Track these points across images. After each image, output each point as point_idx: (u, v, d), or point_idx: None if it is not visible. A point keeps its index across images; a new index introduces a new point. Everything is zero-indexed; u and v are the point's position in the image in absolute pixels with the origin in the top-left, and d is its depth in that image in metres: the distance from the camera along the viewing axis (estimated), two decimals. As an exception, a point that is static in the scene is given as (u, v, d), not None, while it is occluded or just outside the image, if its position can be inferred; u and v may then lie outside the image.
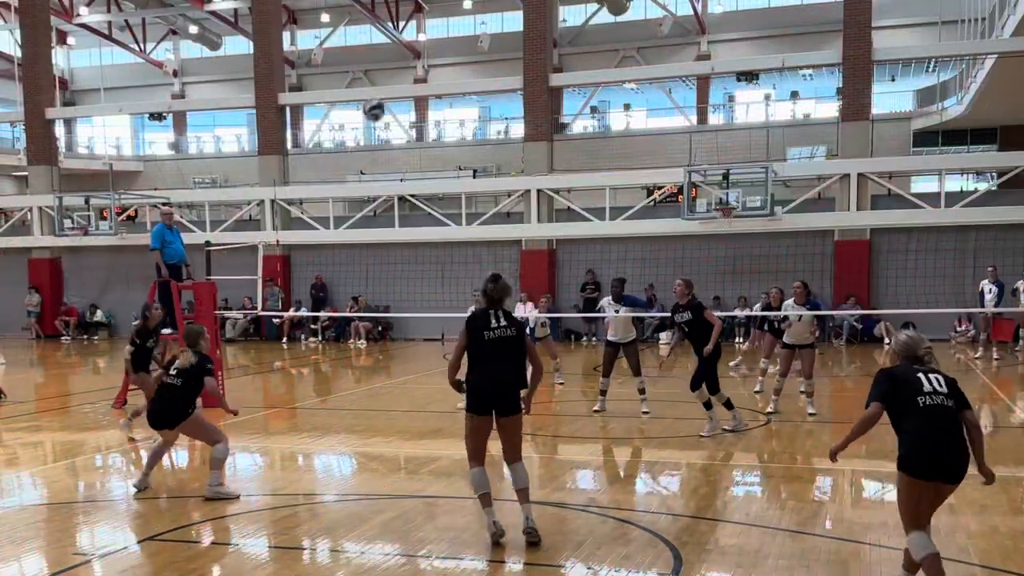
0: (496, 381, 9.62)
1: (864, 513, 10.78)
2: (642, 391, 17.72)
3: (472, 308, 11.97)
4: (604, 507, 11.19)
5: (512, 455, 9.78)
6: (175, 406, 12.00)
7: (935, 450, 7.79)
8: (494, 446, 9.89)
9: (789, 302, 17.57)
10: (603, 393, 18.02)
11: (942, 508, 10.79)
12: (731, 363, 25.01)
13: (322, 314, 36.00)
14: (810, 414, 17.11)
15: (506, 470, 10.07)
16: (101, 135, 57.85)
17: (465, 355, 9.88)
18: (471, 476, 9.83)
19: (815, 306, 17.76)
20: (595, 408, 18.11)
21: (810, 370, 17.38)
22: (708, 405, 15.48)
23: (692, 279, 16.54)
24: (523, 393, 9.85)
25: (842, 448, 8.31)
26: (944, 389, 7.89)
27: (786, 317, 17.54)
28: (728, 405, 15.61)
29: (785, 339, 17.79)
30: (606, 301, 18.29)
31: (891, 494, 11.76)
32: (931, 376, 7.96)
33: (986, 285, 27.04)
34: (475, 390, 9.67)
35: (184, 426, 12.12)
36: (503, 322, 9.75)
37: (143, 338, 16.57)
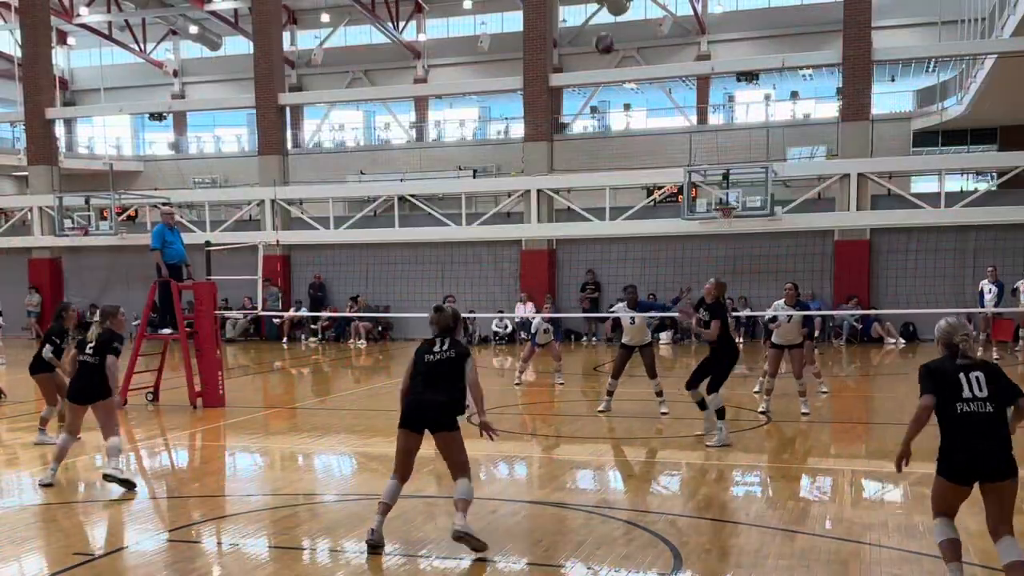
0: (422, 402, 9.74)
1: (864, 513, 10.77)
2: (659, 393, 17.69)
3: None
4: (604, 507, 11.19)
5: (454, 471, 9.83)
6: (94, 380, 12.56)
7: (969, 459, 7.92)
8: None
9: (779, 302, 17.65)
10: (610, 394, 17.97)
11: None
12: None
13: (322, 314, 36.00)
14: (803, 413, 17.13)
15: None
16: (101, 135, 57.83)
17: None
18: (386, 484, 9.88)
19: (804, 307, 17.88)
20: (600, 408, 18.08)
21: (800, 369, 17.44)
22: (702, 405, 15.31)
23: (724, 281, 16.33)
24: (476, 419, 9.95)
25: (906, 452, 8.16)
26: (984, 392, 7.91)
27: (775, 318, 17.61)
28: (720, 414, 14.88)
29: (774, 339, 17.87)
30: (621, 307, 18.24)
31: (891, 494, 11.80)
32: (972, 376, 7.99)
33: (986, 285, 27.07)
34: (405, 408, 9.88)
35: (98, 406, 12.60)
36: (445, 347, 9.89)
37: (61, 337, 15.86)
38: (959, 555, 7.91)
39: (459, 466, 9.81)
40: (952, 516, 8.08)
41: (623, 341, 18.08)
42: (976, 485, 7.91)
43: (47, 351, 15.62)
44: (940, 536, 8.05)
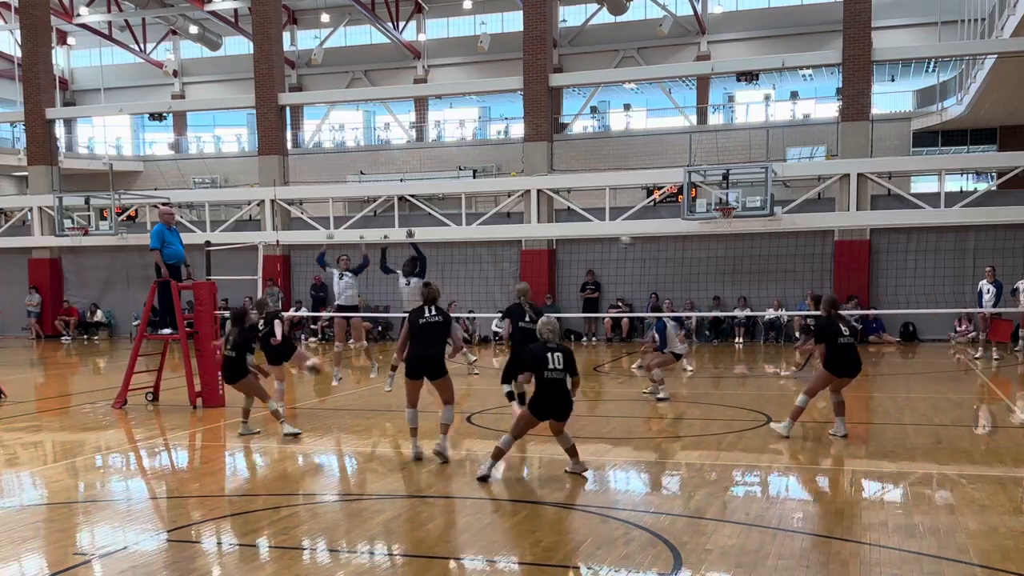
0: (421, 357, 13.54)
1: (864, 513, 10.76)
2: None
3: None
4: (604, 507, 11.19)
5: (444, 401, 13.74)
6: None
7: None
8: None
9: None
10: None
11: (941, 507, 10.87)
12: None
13: (324, 314, 35.99)
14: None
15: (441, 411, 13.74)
16: (101, 135, 57.87)
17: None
18: (407, 414, 13.92)
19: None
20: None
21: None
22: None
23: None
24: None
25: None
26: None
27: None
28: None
29: None
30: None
31: (891, 494, 11.79)
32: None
33: (984, 285, 27.04)
34: (409, 361, 13.66)
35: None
36: (433, 312, 13.67)
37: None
38: None
39: (447, 398, 13.72)
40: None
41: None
42: None
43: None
44: None
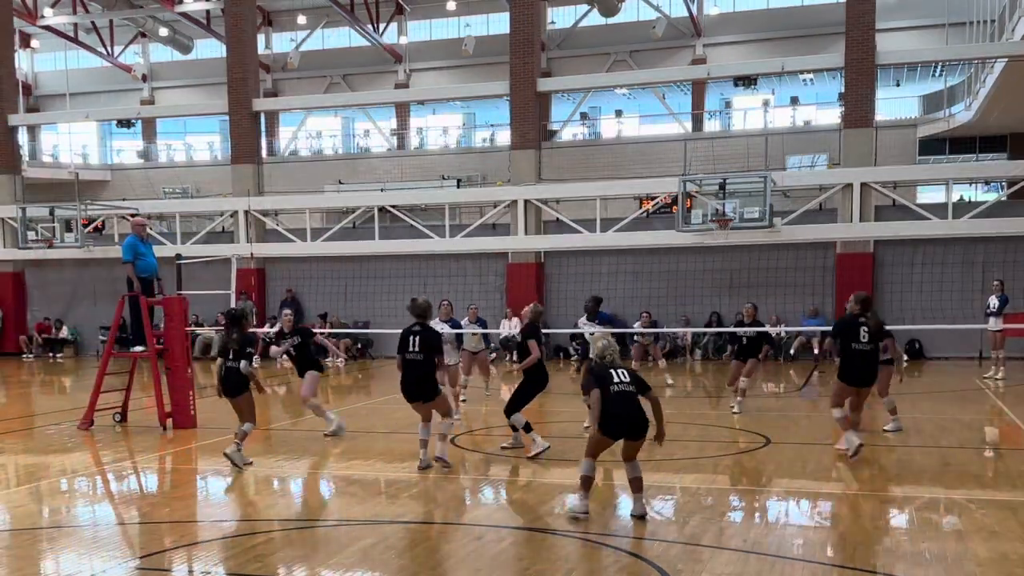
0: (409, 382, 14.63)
1: (868, 539, 10.79)
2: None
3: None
4: (595, 533, 11.20)
5: (441, 415, 14.76)
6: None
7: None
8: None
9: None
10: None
11: (949, 533, 10.90)
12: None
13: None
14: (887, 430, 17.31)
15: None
16: (66, 143, 57.76)
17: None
18: (419, 427, 14.72)
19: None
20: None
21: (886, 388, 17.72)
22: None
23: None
24: None
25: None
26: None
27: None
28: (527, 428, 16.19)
29: None
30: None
31: (897, 519, 11.82)
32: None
33: (992, 300, 27.04)
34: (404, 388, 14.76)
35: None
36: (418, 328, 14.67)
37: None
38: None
39: (443, 412, 14.79)
40: None
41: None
42: None
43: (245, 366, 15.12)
44: None
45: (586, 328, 18.44)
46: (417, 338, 14.51)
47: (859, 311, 14.94)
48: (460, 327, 21.66)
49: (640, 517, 11.52)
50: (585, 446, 11.88)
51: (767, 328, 18.72)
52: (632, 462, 11.65)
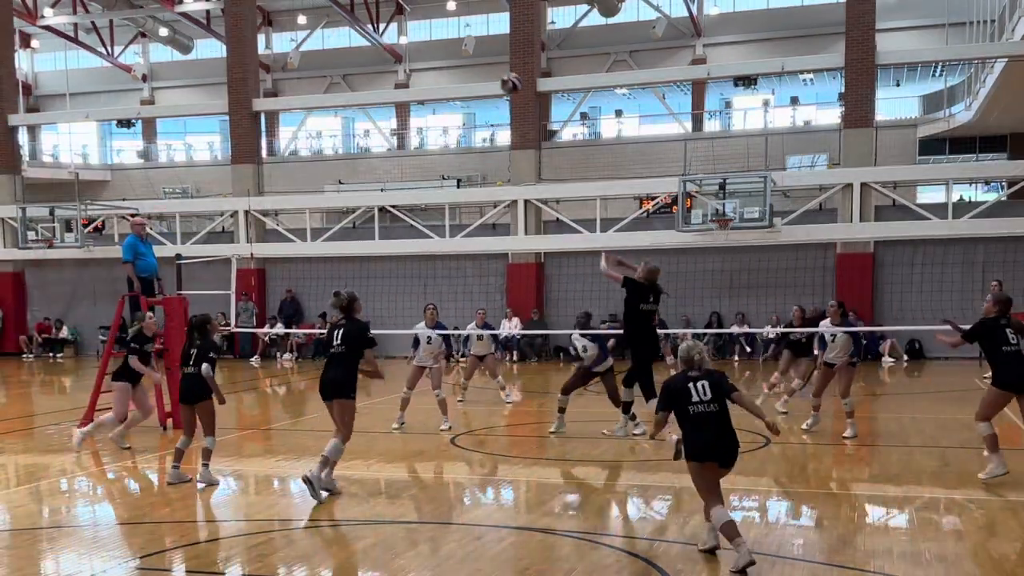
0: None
1: (868, 539, 10.79)
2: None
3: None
4: (595, 533, 11.21)
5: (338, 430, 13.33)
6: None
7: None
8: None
9: (826, 322, 18.01)
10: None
11: (949, 533, 10.90)
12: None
13: (296, 331, 35.96)
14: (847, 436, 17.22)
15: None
16: (66, 143, 57.71)
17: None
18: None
19: (850, 325, 18.24)
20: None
21: (847, 389, 17.62)
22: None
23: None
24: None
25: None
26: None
27: (822, 338, 17.98)
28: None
29: (827, 358, 17.98)
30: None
31: (896, 519, 11.82)
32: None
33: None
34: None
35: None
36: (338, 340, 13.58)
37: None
38: None
39: (342, 428, 13.35)
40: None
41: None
42: None
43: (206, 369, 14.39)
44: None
45: (579, 342, 18.41)
46: (341, 331, 13.66)
47: (998, 312, 14.46)
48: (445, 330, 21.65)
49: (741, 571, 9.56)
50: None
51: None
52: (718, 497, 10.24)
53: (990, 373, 26.30)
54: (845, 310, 18.68)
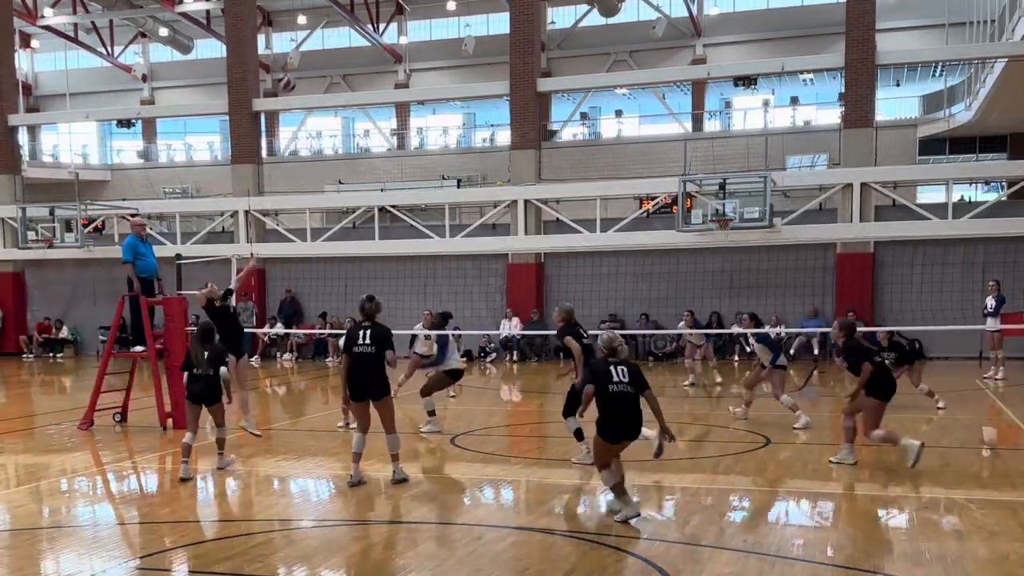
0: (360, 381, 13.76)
1: (868, 539, 10.79)
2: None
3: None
4: (595, 532, 11.21)
5: (387, 428, 13.85)
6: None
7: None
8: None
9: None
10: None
11: (949, 534, 10.91)
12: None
13: (296, 331, 35.96)
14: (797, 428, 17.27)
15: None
16: (67, 143, 57.73)
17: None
18: (354, 438, 13.95)
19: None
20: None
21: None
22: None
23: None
24: None
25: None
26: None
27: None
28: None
29: None
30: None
31: (895, 519, 11.82)
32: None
33: (988, 301, 27.02)
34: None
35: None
36: (367, 339, 14.04)
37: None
38: None
39: (388, 423, 13.90)
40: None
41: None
42: None
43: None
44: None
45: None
46: (368, 332, 14.19)
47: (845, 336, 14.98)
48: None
49: (628, 520, 11.38)
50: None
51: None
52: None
53: (990, 372, 26.47)
54: (760, 322, 21.06)
